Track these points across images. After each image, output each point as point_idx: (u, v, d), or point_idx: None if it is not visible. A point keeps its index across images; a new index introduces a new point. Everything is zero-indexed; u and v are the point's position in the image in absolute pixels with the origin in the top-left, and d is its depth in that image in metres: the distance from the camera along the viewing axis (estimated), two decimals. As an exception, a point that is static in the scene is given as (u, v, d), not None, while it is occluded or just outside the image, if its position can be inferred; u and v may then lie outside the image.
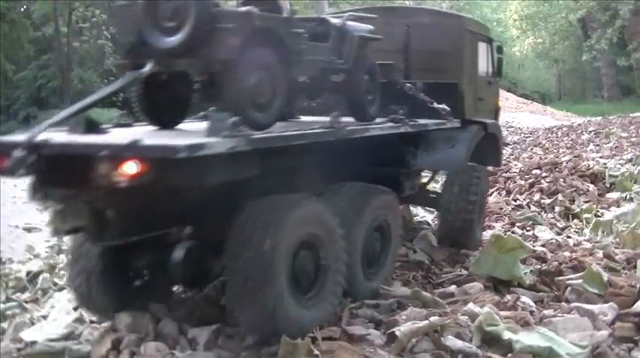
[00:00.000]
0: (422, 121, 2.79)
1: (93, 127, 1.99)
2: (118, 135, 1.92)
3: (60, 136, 1.87)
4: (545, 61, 34.99)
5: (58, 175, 1.77)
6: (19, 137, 1.84)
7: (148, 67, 1.94)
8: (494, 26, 39.91)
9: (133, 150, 1.66)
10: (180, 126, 2.30)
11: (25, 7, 28.69)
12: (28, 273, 3.03)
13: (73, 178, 1.74)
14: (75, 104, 2.08)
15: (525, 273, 2.50)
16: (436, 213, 3.51)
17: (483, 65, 3.56)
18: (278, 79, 2.11)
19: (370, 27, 2.62)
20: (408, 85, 2.80)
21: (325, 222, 2.08)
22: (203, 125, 2.00)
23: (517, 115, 14.31)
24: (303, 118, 2.84)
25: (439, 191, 3.44)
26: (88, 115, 2.01)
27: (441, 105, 2.86)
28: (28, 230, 4.35)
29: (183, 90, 2.22)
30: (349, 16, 2.53)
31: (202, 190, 1.81)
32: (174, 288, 2.42)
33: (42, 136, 1.80)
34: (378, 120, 2.66)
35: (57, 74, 28.66)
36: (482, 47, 3.50)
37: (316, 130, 2.17)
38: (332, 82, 2.53)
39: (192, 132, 2.06)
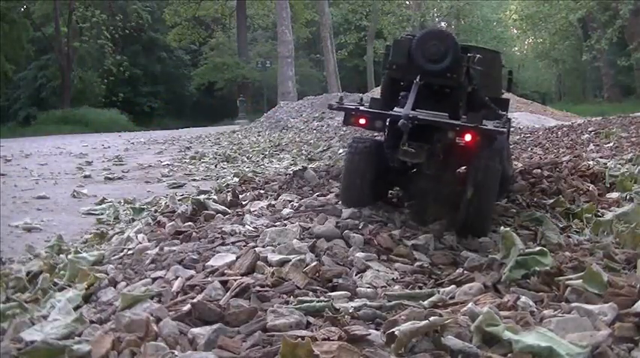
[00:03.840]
0: (506, 127, 3.93)
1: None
2: (442, 116, 3.21)
3: (421, 114, 3.11)
4: (545, 61, 35.04)
5: (416, 134, 3.02)
6: (397, 112, 3.15)
7: (417, 80, 3.21)
8: (494, 26, 40.01)
9: (478, 130, 2.99)
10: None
11: (25, 7, 28.75)
12: (28, 273, 3.03)
13: (425, 137, 3.08)
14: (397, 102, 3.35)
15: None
16: None
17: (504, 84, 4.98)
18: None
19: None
20: (487, 98, 3.73)
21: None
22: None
23: (517, 115, 14.28)
24: None
25: None
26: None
27: (503, 113, 3.87)
28: (28, 230, 4.36)
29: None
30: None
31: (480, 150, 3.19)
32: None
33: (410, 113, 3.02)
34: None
35: (57, 74, 28.74)
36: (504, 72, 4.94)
37: (505, 127, 3.46)
38: (474, 97, 3.64)
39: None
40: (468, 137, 3.01)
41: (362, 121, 3.34)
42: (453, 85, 3.34)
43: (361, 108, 3.39)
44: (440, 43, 3.26)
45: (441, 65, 3.23)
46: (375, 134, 3.55)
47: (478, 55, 3.57)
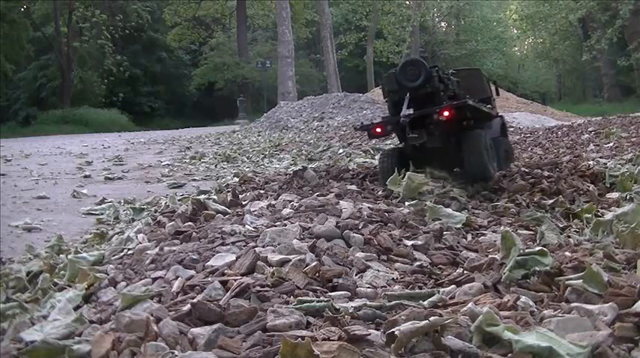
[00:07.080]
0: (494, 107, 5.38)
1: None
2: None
3: (413, 112, 4.37)
4: (545, 61, 35.06)
5: (415, 125, 4.22)
6: (398, 116, 4.33)
7: (407, 95, 4.36)
8: (494, 26, 39.98)
9: (449, 106, 4.24)
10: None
11: (25, 7, 28.73)
12: (28, 273, 3.03)
13: (421, 122, 4.26)
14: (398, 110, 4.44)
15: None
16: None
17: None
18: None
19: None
20: (475, 99, 4.78)
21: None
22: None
23: (517, 115, 14.27)
24: None
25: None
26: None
27: (494, 109, 5.16)
28: (28, 230, 4.35)
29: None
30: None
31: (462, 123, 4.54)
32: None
33: (407, 113, 4.26)
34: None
35: (57, 74, 28.76)
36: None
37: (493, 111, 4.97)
38: (456, 97, 4.77)
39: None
40: (445, 113, 4.22)
41: (378, 130, 4.51)
42: (432, 90, 4.54)
43: (374, 121, 4.85)
44: (414, 68, 4.50)
45: (418, 81, 4.44)
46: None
47: (437, 67, 4.81)
